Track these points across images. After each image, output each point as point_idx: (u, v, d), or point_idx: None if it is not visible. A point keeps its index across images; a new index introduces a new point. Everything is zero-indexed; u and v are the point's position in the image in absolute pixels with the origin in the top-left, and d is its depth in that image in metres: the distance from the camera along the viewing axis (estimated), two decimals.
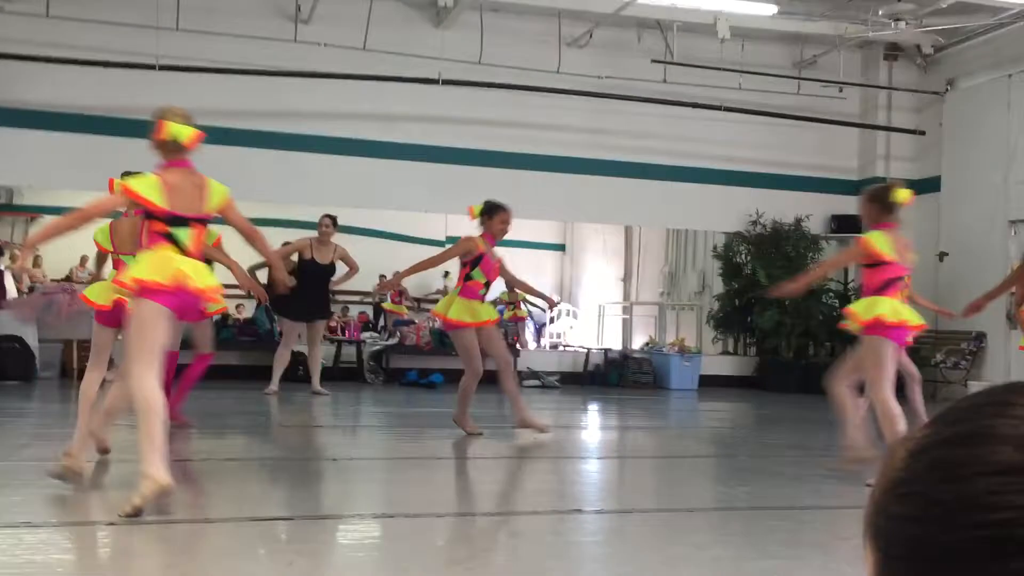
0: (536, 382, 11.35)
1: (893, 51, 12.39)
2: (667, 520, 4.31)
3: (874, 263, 4.95)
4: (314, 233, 9.06)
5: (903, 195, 4.94)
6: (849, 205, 12.80)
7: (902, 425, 4.75)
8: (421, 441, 6.92)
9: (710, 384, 11.85)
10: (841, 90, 12.24)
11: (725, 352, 13.27)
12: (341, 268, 8.95)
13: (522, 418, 6.70)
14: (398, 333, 11.35)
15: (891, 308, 4.87)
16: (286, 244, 9.36)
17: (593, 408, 9.98)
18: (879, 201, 5.02)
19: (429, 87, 10.91)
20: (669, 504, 4.74)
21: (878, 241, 4.91)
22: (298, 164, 10.95)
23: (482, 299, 6.62)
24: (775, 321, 11.69)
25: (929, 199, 12.29)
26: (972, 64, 11.70)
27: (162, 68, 10.17)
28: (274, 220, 13.85)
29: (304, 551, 3.46)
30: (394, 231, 16.06)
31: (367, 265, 9.79)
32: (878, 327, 4.85)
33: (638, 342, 14.60)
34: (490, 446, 6.64)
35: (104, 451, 5.02)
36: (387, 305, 14.47)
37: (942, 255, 11.77)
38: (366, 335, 11.72)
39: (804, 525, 4.28)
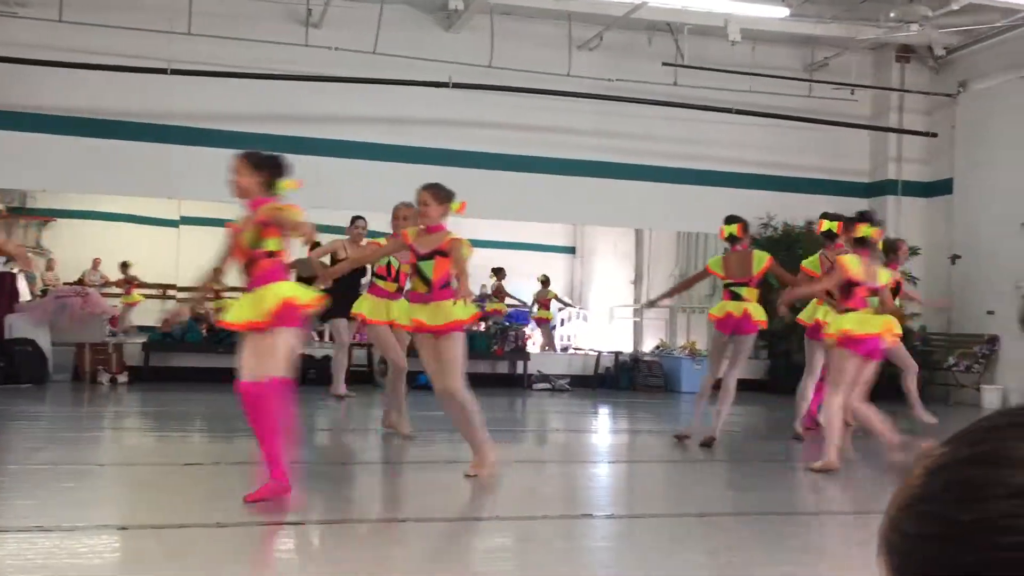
0: (546, 385, 11.34)
1: (905, 53, 12.34)
2: (678, 525, 4.29)
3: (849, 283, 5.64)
4: (338, 236, 9.12)
5: (869, 231, 5.75)
6: (860, 207, 12.74)
7: (836, 435, 5.48)
8: (431, 445, 6.92)
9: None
10: (852, 92, 12.19)
11: None
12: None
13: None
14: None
15: (857, 321, 5.54)
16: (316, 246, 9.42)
17: (603, 411, 9.96)
18: (853, 234, 5.88)
19: (439, 90, 10.93)
20: (680, 509, 4.73)
21: (852, 265, 5.59)
22: (309, 168, 10.91)
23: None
24: (785, 324, 11.64)
25: (941, 202, 12.23)
26: (985, 66, 11.65)
27: (174, 72, 10.22)
28: None
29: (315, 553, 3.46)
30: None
31: None
32: (847, 341, 5.54)
33: (649, 345, 14.57)
34: (499, 451, 6.63)
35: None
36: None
37: (955, 258, 11.71)
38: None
39: (815, 530, 4.27)
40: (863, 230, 5.70)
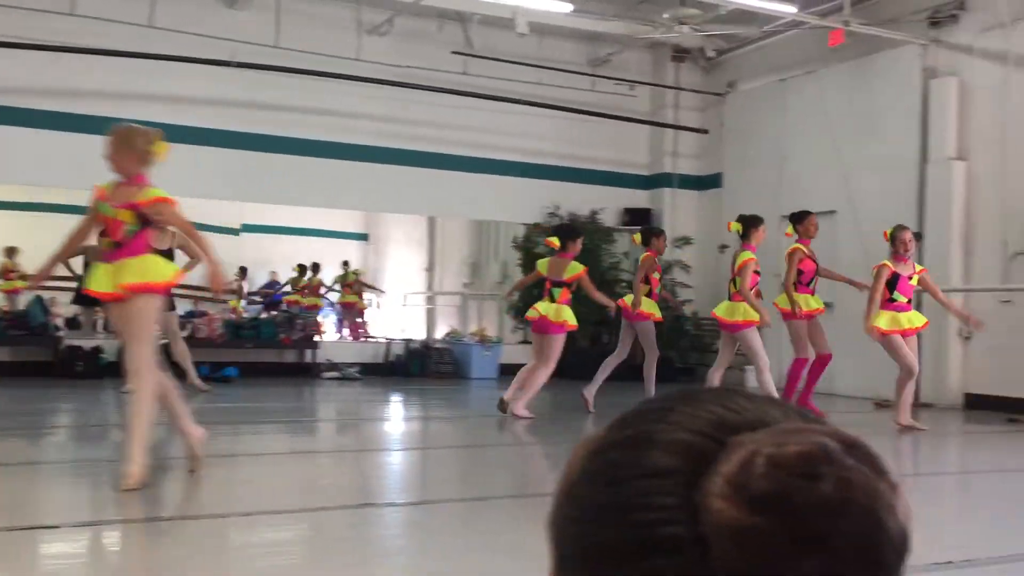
0: (336, 374, 11.18)
1: (680, 53, 13.06)
2: (466, 509, 4.36)
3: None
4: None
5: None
6: (640, 199, 13.41)
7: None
8: (224, 438, 6.64)
9: (511, 372, 12.05)
10: (632, 88, 12.77)
11: (524, 341, 13.56)
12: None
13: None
14: (189, 325, 10.84)
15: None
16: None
17: (395, 399, 9.95)
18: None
19: (222, 69, 10.48)
20: (467, 494, 4.80)
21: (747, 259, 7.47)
22: (72, 146, 10.21)
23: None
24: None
25: (712, 194, 13.06)
26: (750, 68, 12.52)
27: None
28: (36, 204, 12.92)
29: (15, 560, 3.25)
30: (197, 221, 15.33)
31: None
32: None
33: (442, 332, 14.68)
34: (284, 441, 6.49)
35: None
36: None
37: (722, 247, 12.51)
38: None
39: None
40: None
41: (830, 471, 0.51)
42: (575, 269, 7.75)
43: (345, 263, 16.58)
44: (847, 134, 10.93)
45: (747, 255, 7.52)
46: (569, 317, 7.70)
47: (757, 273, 7.67)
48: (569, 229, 8.27)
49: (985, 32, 9.56)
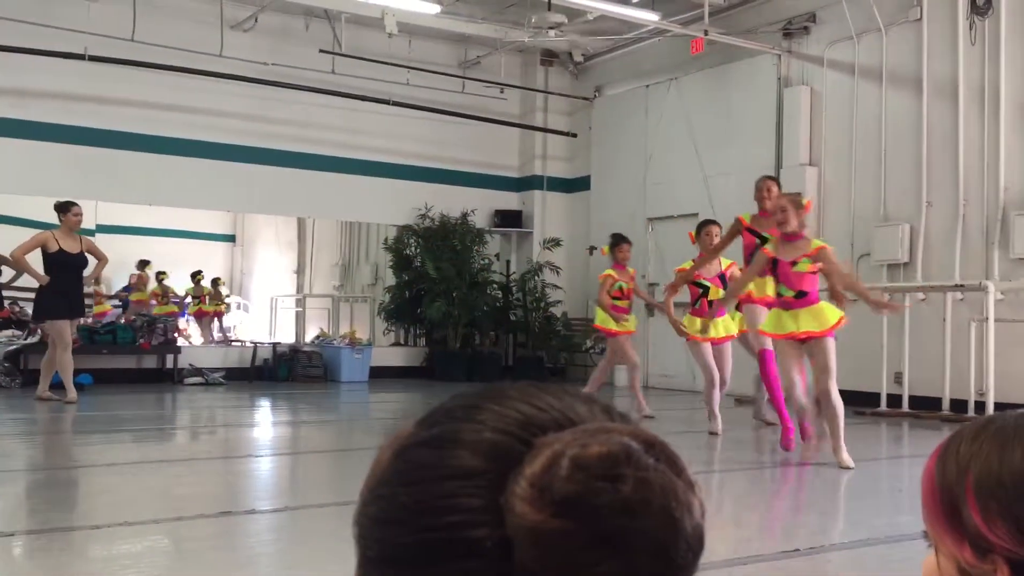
0: (199, 379, 10.82)
1: (549, 57, 13.24)
2: (335, 514, 4.28)
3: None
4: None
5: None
6: (511, 201, 13.52)
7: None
8: (77, 448, 6.33)
9: (381, 375, 11.98)
10: (503, 91, 12.86)
11: (396, 344, 13.48)
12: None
13: None
14: (39, 331, 10.29)
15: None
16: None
17: (261, 404, 9.70)
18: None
19: (73, 62, 9.99)
20: (335, 499, 4.72)
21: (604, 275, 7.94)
22: None
23: None
24: (442, 312, 12.06)
25: (580, 197, 13.29)
26: (616, 74, 12.80)
27: None
28: None
29: None
30: (36, 218, 14.56)
31: None
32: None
33: (312, 335, 14.42)
34: (140, 450, 6.23)
35: None
36: None
37: (591, 249, 12.75)
38: (3, 333, 10.52)
39: None
40: None
41: (630, 472, 0.51)
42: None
43: (195, 274, 16.08)
44: (708, 139, 11.31)
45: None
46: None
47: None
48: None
49: (834, 44, 10.07)
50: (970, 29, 8.83)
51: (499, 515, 0.51)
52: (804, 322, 5.44)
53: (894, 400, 8.83)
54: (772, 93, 10.63)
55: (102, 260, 8.50)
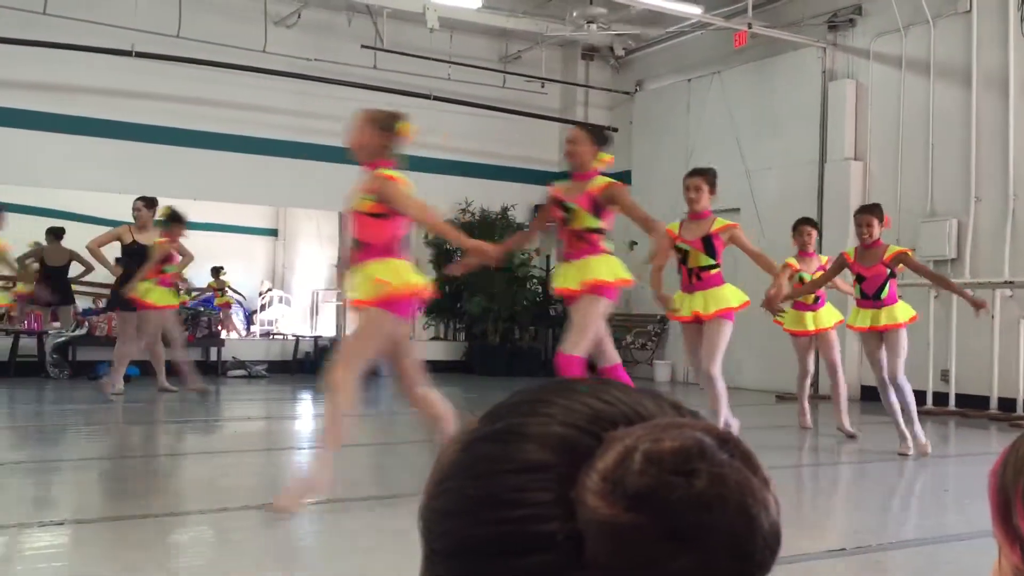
0: (242, 372, 10.95)
1: (590, 51, 13.19)
2: (378, 506, 4.32)
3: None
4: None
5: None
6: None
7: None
8: (125, 439, 6.44)
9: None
10: (543, 85, 12.84)
11: (436, 338, 13.53)
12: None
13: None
14: (86, 323, 10.48)
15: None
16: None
17: (302, 397, 9.79)
18: None
19: (121, 59, 10.15)
20: (376, 492, 4.75)
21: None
22: None
23: None
24: (482, 307, 12.08)
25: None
26: (658, 68, 12.72)
27: None
28: None
29: None
30: (86, 213, 14.81)
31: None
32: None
33: (352, 329, 14.52)
34: (199, 441, 6.32)
35: None
36: None
37: (632, 244, 12.68)
38: (53, 326, 10.74)
39: None
40: None
41: (704, 467, 0.51)
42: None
43: (217, 269, 16.25)
44: (750, 133, 11.20)
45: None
46: None
47: None
48: None
49: (880, 36, 9.91)
50: (1021, 21, 8.65)
51: (569, 509, 0.51)
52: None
53: (940, 398, 8.69)
54: (816, 87, 10.49)
55: (187, 257, 8.72)
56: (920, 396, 8.69)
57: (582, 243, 4.79)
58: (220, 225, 17.77)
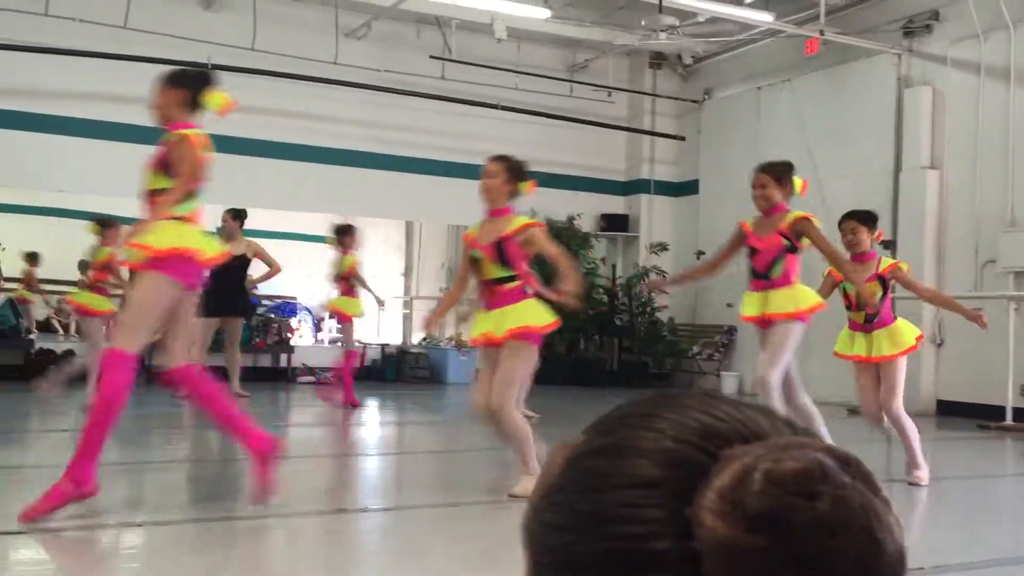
0: (311, 378, 11.12)
1: (657, 60, 13.11)
2: (440, 515, 4.34)
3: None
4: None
5: None
6: (617, 205, 13.44)
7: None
8: (196, 443, 6.57)
9: None
10: (610, 95, 12.81)
11: None
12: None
13: None
14: None
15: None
16: None
17: (370, 404, 9.89)
18: None
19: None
20: (441, 499, 4.78)
21: None
22: (48, 147, 10.13)
23: None
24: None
25: (688, 201, 13.11)
26: (726, 76, 12.59)
27: None
28: (10, 206, 12.80)
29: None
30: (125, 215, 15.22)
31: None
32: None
33: (418, 337, 14.64)
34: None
35: None
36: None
37: (699, 254, 12.56)
38: None
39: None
40: None
41: (827, 490, 0.50)
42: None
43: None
44: (822, 142, 11.01)
45: None
46: None
47: None
48: None
49: (958, 42, 9.67)
50: None
51: (683, 527, 0.50)
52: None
53: (1020, 414, 8.41)
54: (891, 94, 10.27)
55: (274, 269, 8.95)
56: (999, 412, 8.44)
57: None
58: (288, 233, 18.07)
